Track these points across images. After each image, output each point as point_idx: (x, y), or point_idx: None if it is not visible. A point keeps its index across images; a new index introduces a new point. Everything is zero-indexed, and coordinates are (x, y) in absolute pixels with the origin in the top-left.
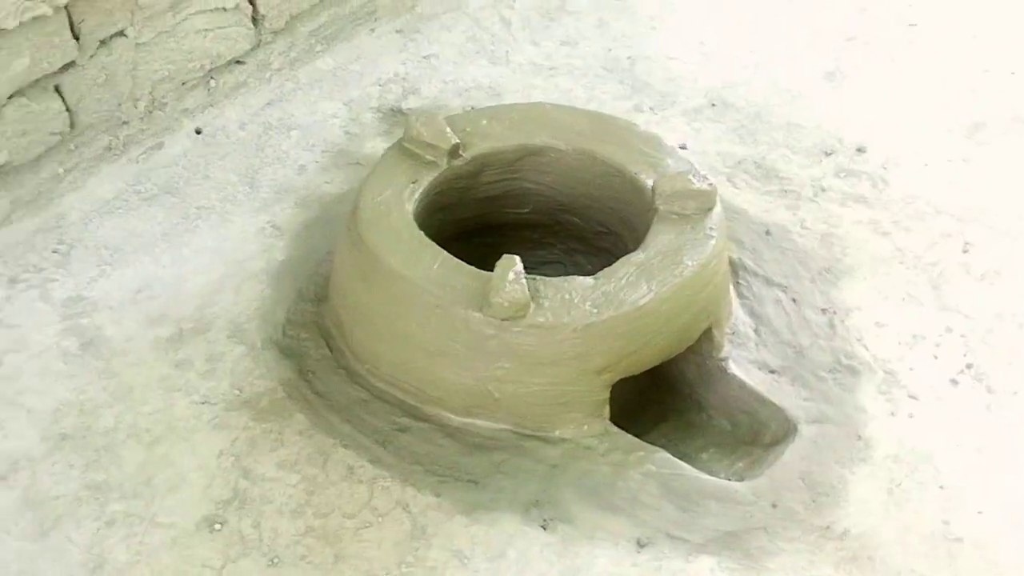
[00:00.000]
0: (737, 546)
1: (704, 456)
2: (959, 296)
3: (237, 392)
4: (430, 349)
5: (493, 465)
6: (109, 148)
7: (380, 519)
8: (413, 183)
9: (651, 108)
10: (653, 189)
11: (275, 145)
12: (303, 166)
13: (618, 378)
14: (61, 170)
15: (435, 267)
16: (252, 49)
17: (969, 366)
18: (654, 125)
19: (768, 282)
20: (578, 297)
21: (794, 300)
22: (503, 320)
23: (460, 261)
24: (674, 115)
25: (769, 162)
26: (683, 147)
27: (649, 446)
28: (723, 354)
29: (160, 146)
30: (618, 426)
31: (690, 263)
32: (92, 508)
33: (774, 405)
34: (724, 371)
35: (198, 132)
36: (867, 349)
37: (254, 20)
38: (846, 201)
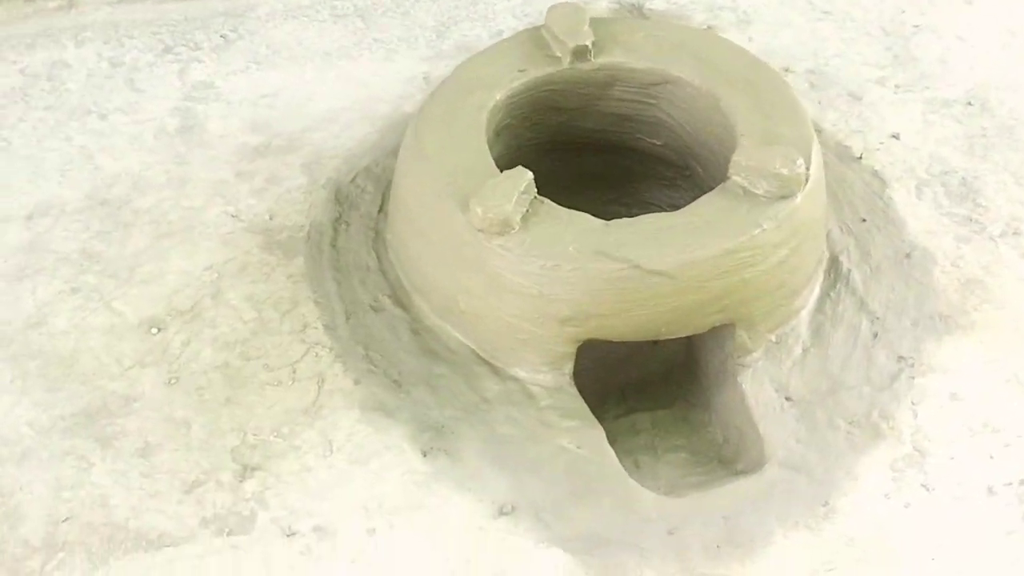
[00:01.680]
0: (597, 552)
1: (671, 457)
2: None
3: (268, 217)
4: (421, 236)
5: (428, 375)
6: None
7: (292, 383)
8: (521, 71)
9: (896, 86)
10: (733, 156)
11: (490, 2)
12: (500, 32)
13: (588, 336)
14: None
15: (463, 157)
16: None
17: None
18: (884, 106)
19: (862, 306)
20: (571, 236)
21: (875, 335)
22: (478, 231)
23: (492, 163)
24: (916, 101)
25: (979, 183)
26: (895, 136)
27: (591, 420)
28: (746, 360)
29: None
30: (631, 395)
31: (710, 246)
32: (70, 272)
33: (757, 433)
34: (734, 378)
35: None
36: (915, 417)
37: None
38: None
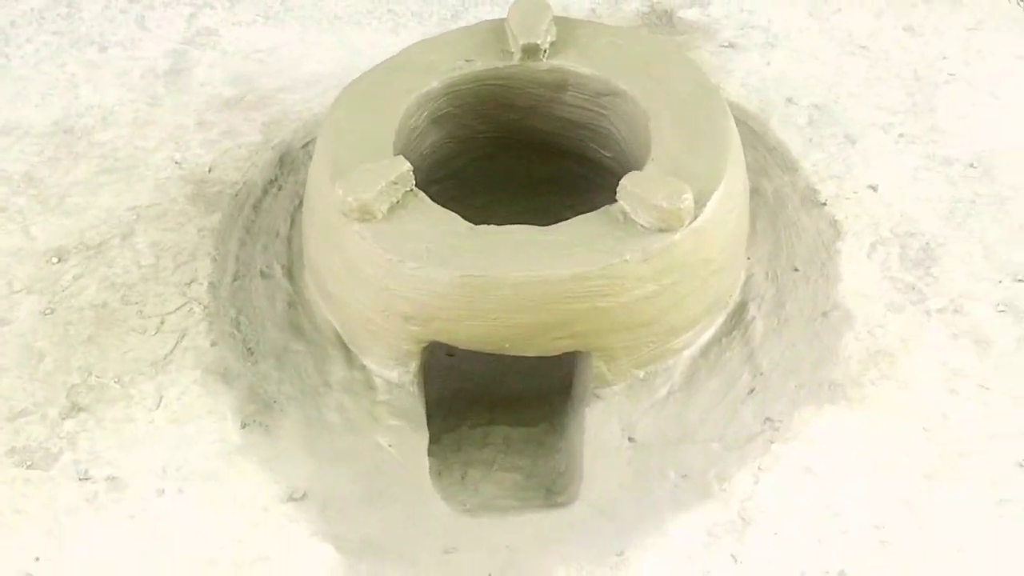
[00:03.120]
0: (367, 558)
1: (502, 476)
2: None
3: (207, 170)
4: (308, 208)
5: (284, 350)
6: None
7: (156, 333)
8: (468, 61)
9: (900, 135)
10: (622, 179)
11: None
12: None
13: (431, 338)
14: None
15: (365, 137)
16: None
17: None
18: (877, 154)
19: (749, 359)
20: (430, 235)
21: (751, 391)
22: (342, 213)
23: (390, 149)
24: (914, 155)
25: (941, 252)
26: (873, 187)
27: (421, 423)
28: (602, 392)
29: None
30: (500, 407)
31: (560, 267)
32: (5, 191)
33: (581, 468)
34: (583, 408)
35: None
36: (755, 483)
37: None
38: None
